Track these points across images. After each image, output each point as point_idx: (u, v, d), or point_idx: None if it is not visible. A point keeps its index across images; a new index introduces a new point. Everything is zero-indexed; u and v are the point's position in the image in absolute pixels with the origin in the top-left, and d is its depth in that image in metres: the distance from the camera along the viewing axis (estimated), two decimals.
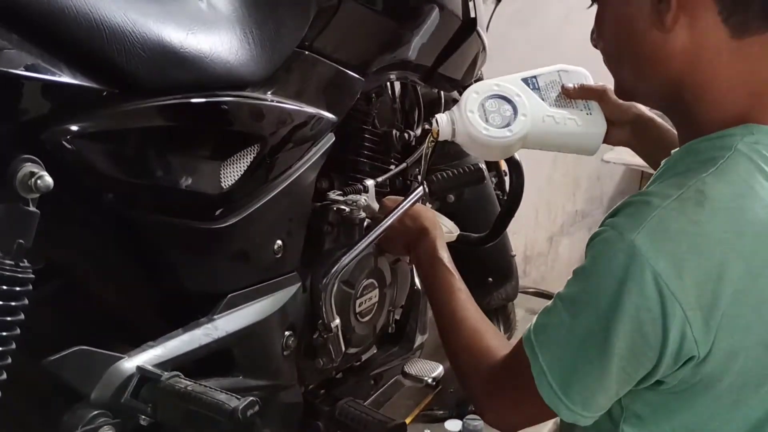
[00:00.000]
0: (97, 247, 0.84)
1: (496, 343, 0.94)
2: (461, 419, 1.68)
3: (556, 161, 3.52)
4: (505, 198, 1.45)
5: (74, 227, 0.81)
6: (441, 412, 1.72)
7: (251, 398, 0.73)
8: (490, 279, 1.65)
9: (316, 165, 1.06)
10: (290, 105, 0.97)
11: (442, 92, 1.47)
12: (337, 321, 1.07)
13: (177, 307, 0.92)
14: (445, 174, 1.12)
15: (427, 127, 1.43)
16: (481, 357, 0.92)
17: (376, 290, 1.19)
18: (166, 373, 0.78)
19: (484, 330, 0.97)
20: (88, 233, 0.82)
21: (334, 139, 1.10)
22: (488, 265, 1.65)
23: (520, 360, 0.82)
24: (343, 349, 1.09)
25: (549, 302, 0.85)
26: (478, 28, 1.36)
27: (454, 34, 1.29)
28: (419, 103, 1.41)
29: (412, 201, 1.10)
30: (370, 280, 1.17)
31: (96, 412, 0.75)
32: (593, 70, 3.17)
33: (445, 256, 1.08)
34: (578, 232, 3.64)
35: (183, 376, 0.78)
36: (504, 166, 1.81)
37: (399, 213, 1.09)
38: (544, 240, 3.73)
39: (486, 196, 1.64)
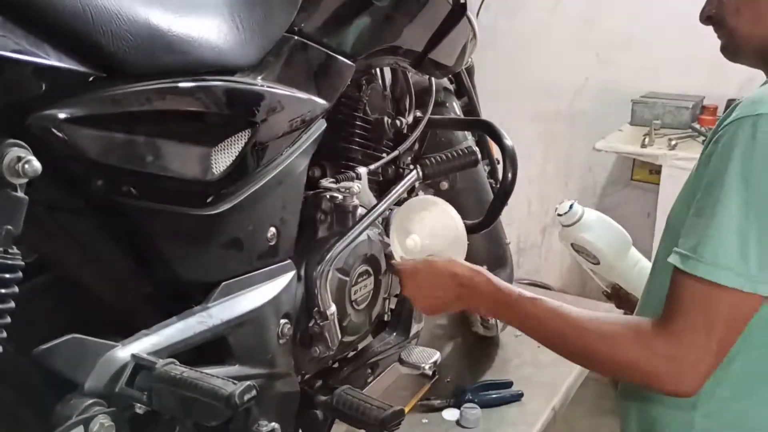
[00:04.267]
0: (87, 236, 0.83)
1: (627, 322, 0.91)
2: (458, 408, 1.68)
3: (547, 152, 3.53)
4: (498, 186, 1.44)
5: (63, 216, 0.80)
6: (438, 401, 1.71)
7: (248, 383, 0.72)
8: (485, 267, 1.64)
9: (308, 151, 1.05)
10: (280, 90, 0.96)
11: (432, 79, 1.47)
12: (333, 308, 1.06)
13: (170, 296, 0.91)
14: (438, 157, 1.11)
15: (418, 114, 1.42)
16: (639, 347, 0.87)
17: (371, 278, 1.18)
18: (161, 360, 0.77)
19: (609, 322, 0.91)
20: (78, 222, 0.81)
21: (325, 125, 1.09)
22: (483, 253, 1.64)
23: (685, 295, 0.83)
24: (339, 337, 1.08)
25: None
26: (468, 13, 1.35)
27: (444, 19, 1.28)
28: (410, 90, 1.40)
29: (406, 184, 1.10)
30: (365, 268, 1.16)
31: (90, 401, 0.74)
32: (579, 62, 3.09)
33: (503, 288, 1.02)
34: None
35: (178, 363, 0.77)
36: (497, 155, 1.81)
37: (393, 197, 1.08)
38: (537, 231, 3.73)
39: (479, 184, 1.63)
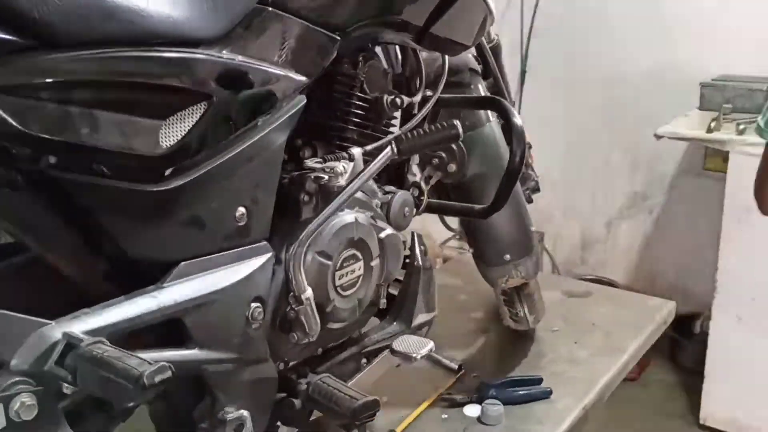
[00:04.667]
0: (32, 211, 0.81)
1: None
2: (480, 404, 1.61)
3: (612, 142, 3.36)
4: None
5: (8, 196, 0.78)
6: (460, 397, 1.64)
7: (162, 364, 0.68)
8: (507, 256, 1.56)
9: (284, 128, 1.00)
10: (246, 63, 0.92)
11: (446, 56, 1.39)
12: (309, 293, 1.01)
13: (127, 274, 0.88)
14: (415, 132, 1.05)
15: (428, 93, 1.35)
16: None
17: (360, 262, 1.12)
18: (88, 338, 0.74)
19: None
20: (20, 197, 0.79)
21: (305, 101, 1.04)
22: (505, 242, 1.56)
23: None
24: (318, 323, 1.03)
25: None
26: None
27: None
28: (420, 68, 1.34)
29: (380, 162, 1.04)
30: (352, 252, 1.11)
31: (15, 379, 0.72)
32: (644, 47, 2.95)
33: None
34: (638, 215, 3.46)
35: (107, 343, 0.74)
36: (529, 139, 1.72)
37: (367, 176, 1.02)
38: (602, 225, 3.57)
39: (501, 166, 1.55)
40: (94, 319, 0.80)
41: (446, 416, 1.60)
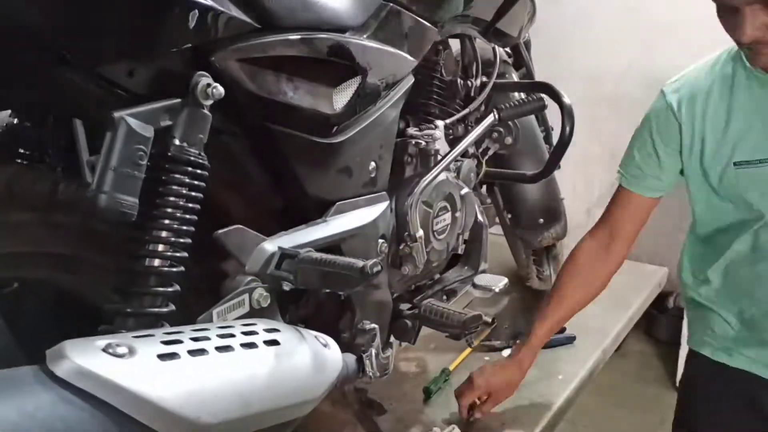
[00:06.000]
0: (241, 155, 1.04)
1: None
2: None
3: (592, 135, 3.68)
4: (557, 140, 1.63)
5: (226, 138, 1.01)
6: (498, 342, 1.91)
7: (375, 260, 0.92)
8: (541, 220, 1.84)
9: (399, 101, 1.25)
10: (382, 46, 1.17)
11: (497, 48, 1.66)
12: (421, 233, 1.26)
13: (296, 211, 1.12)
14: (512, 102, 1.30)
15: (484, 79, 1.62)
16: None
17: (449, 213, 1.38)
18: (301, 249, 0.98)
19: None
20: (236, 143, 1.02)
21: (413, 80, 1.29)
22: (539, 208, 1.84)
23: None
24: (426, 258, 1.28)
25: None
26: None
27: None
28: (476, 57, 1.60)
29: (485, 125, 1.30)
30: (444, 204, 1.36)
31: (251, 278, 0.95)
32: (622, 48, 3.25)
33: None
34: None
35: (314, 251, 0.98)
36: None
37: (471, 138, 1.28)
38: (583, 212, 3.87)
39: (536, 140, 1.83)
40: (290, 238, 1.03)
41: (488, 358, 1.86)
